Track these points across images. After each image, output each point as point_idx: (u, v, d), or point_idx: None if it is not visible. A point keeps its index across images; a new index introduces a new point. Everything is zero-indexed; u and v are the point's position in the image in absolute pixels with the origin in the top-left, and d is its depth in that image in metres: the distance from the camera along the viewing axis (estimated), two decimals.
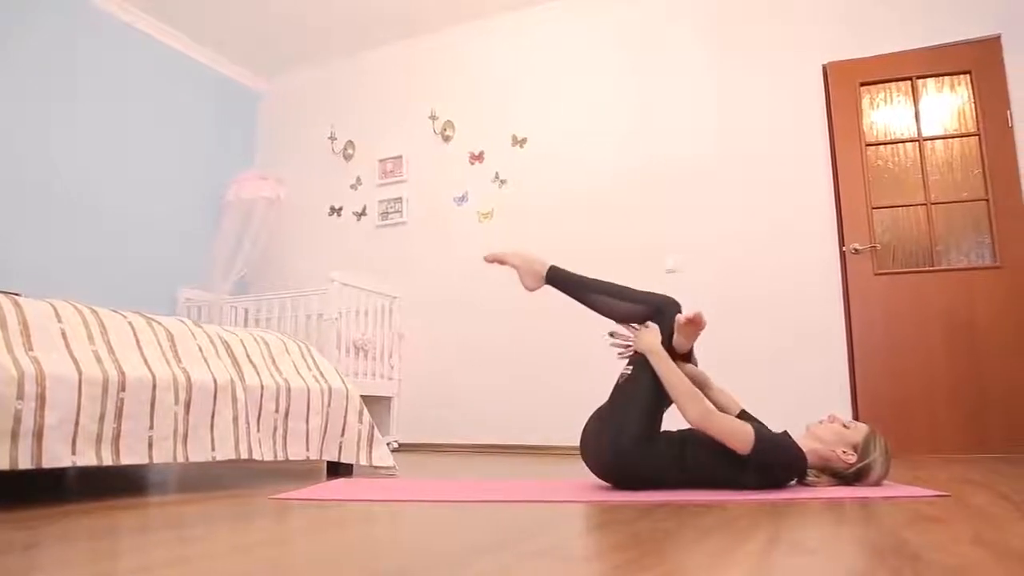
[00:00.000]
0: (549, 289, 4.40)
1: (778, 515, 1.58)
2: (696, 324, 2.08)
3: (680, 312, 2.16)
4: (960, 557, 1.11)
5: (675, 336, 2.12)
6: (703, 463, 2.02)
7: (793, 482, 2.08)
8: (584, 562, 1.10)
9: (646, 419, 2.06)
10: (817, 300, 3.88)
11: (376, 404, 4.64)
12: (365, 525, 1.55)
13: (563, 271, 2.36)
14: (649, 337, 2.11)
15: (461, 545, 1.26)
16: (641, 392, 2.07)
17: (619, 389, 2.15)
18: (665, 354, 2.07)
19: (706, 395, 2.27)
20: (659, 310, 2.20)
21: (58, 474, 2.65)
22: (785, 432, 2.11)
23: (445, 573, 1.02)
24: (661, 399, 2.07)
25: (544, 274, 2.36)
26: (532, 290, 2.41)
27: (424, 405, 4.78)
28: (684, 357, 2.17)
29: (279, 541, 1.33)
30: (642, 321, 2.21)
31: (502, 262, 2.47)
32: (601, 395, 2.46)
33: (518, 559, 1.11)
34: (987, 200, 3.67)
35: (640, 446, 2.03)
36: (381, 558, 1.17)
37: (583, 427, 2.22)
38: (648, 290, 2.28)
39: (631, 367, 2.14)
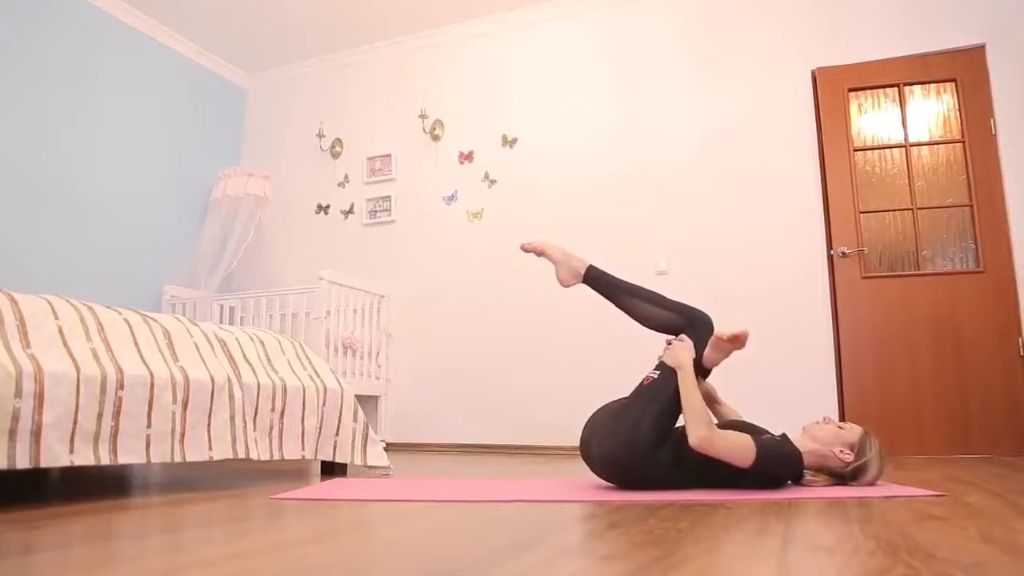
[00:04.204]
0: (538, 290, 4.46)
1: (784, 514, 1.60)
2: (738, 342, 2.08)
3: (713, 329, 2.16)
4: (975, 555, 1.14)
5: (708, 351, 2.13)
6: (703, 465, 2.03)
7: (789, 482, 2.10)
8: (616, 561, 1.10)
9: (663, 424, 2.07)
10: (805, 302, 3.92)
11: (364, 403, 4.60)
12: (388, 526, 1.55)
13: (601, 271, 2.37)
14: (682, 353, 2.11)
15: (487, 545, 1.26)
16: (664, 398, 2.07)
17: (642, 390, 2.15)
18: (692, 373, 2.07)
19: (712, 409, 2.29)
20: (692, 323, 2.21)
21: (55, 474, 2.61)
22: (784, 435, 2.13)
23: (491, 572, 1.02)
24: (678, 410, 2.09)
25: (582, 272, 2.37)
26: (566, 286, 2.42)
27: (412, 405, 4.77)
28: (704, 372, 2.18)
29: (305, 543, 1.32)
30: (675, 331, 2.22)
31: (540, 253, 2.46)
32: (593, 394, 2.47)
33: (552, 558, 1.11)
34: (971, 206, 3.75)
35: (652, 450, 2.04)
36: (418, 558, 1.16)
37: (585, 423, 2.22)
38: (685, 302, 2.29)
39: (658, 372, 2.15)
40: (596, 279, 2.36)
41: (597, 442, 2.13)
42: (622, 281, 2.35)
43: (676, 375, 2.08)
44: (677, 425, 2.12)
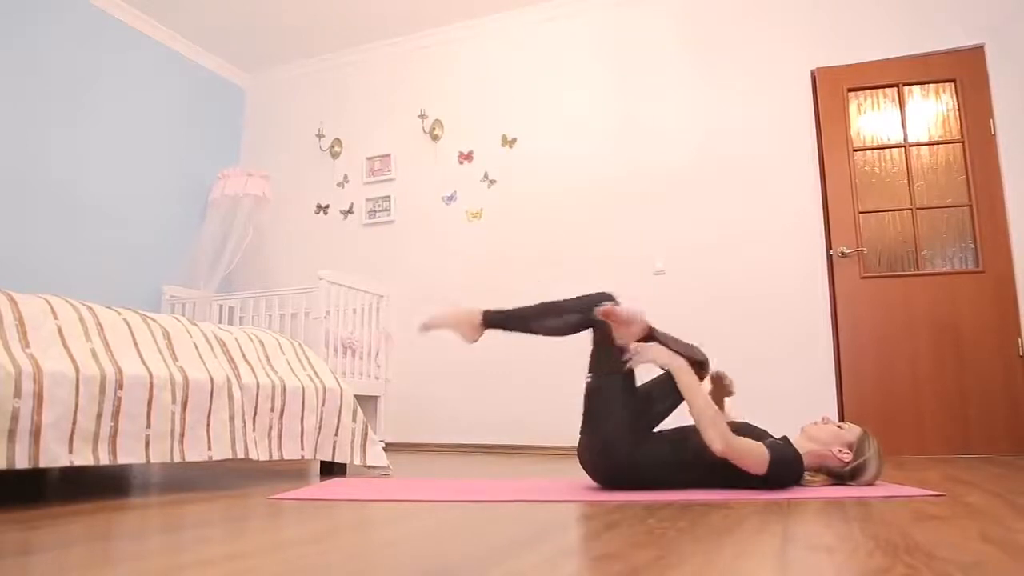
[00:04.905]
0: (537, 290, 4.45)
1: (783, 514, 1.60)
2: (613, 319, 2.04)
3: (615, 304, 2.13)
4: (974, 554, 1.14)
5: (613, 331, 2.10)
6: (704, 464, 2.03)
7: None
8: (615, 560, 1.10)
9: (630, 425, 2.05)
10: (805, 303, 3.93)
11: (363, 403, 4.60)
12: (385, 526, 1.54)
13: (497, 312, 2.29)
14: (659, 353, 2.05)
15: (486, 544, 1.26)
16: (614, 403, 2.06)
17: (588, 400, 2.13)
18: (690, 374, 2.02)
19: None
20: (606, 297, 2.14)
21: (54, 474, 2.60)
22: (785, 438, 2.13)
23: (490, 572, 1.02)
24: (639, 402, 2.07)
25: (479, 320, 2.28)
26: (474, 341, 2.33)
27: (411, 405, 4.76)
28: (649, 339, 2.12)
29: (304, 543, 1.32)
30: (584, 327, 2.16)
31: (438, 327, 2.38)
32: None
33: (551, 558, 1.11)
34: (970, 206, 3.75)
35: (636, 454, 2.03)
36: (418, 558, 1.16)
37: (578, 442, 2.20)
38: (582, 294, 2.22)
39: (591, 375, 2.12)
40: (495, 320, 2.28)
41: (590, 461, 2.14)
42: (520, 309, 2.27)
43: (610, 371, 2.06)
44: (673, 428, 2.12)
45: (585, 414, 2.15)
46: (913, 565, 1.05)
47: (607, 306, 2.06)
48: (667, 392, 2.12)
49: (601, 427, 2.08)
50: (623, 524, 1.46)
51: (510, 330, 2.29)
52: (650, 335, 2.11)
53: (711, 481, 2.04)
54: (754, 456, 1.97)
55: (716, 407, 2.03)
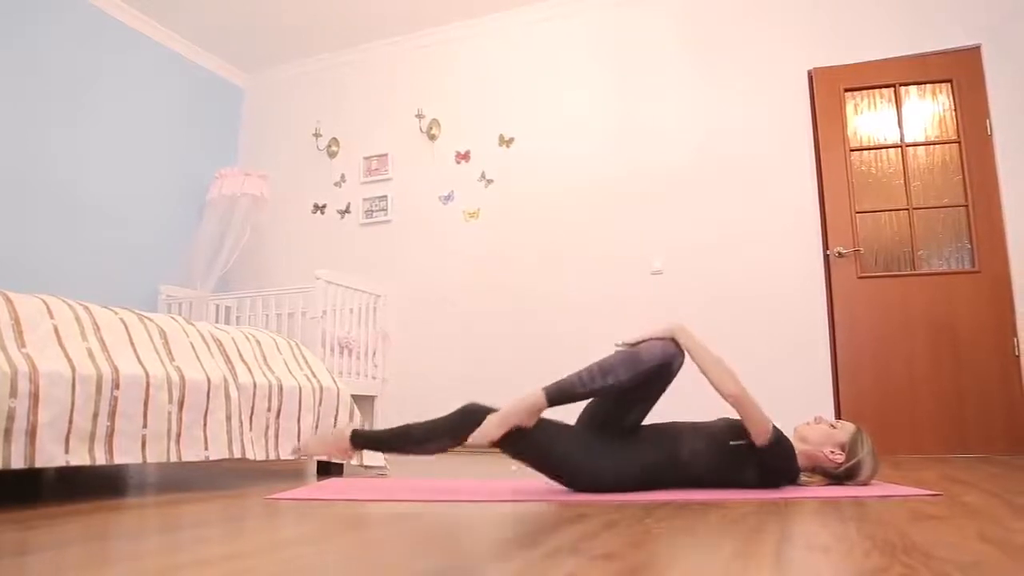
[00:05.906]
0: (535, 290, 4.46)
1: (780, 514, 1.60)
2: (483, 442, 2.01)
3: (486, 411, 2.10)
4: (972, 554, 1.14)
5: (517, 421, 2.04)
6: (700, 459, 2.02)
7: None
8: (613, 560, 1.10)
9: (587, 449, 2.00)
10: (802, 302, 3.93)
11: (360, 403, 4.60)
12: (382, 526, 1.54)
13: (366, 433, 2.26)
14: (672, 324, 2.03)
15: (484, 544, 1.26)
16: (554, 455, 2.00)
17: (546, 473, 2.07)
18: (688, 332, 2.01)
19: None
20: (470, 415, 2.11)
21: (51, 474, 2.60)
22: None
23: (487, 571, 1.02)
24: (600, 423, 2.04)
25: (347, 440, 2.24)
26: (349, 459, 2.34)
27: (408, 405, 4.75)
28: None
29: (301, 543, 1.32)
30: (459, 436, 2.10)
31: (310, 455, 2.42)
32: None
33: (549, 557, 1.11)
34: (967, 206, 3.76)
35: (616, 466, 1.98)
36: (415, 558, 1.16)
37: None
38: (448, 414, 2.17)
39: (515, 467, 2.04)
40: (364, 442, 2.26)
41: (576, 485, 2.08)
42: (390, 434, 2.22)
43: (529, 439, 2.01)
44: (666, 422, 2.11)
45: (554, 479, 2.08)
46: (911, 565, 1.05)
47: (470, 439, 2.02)
48: (629, 401, 2.05)
49: (568, 472, 2.03)
50: (621, 523, 1.46)
51: (380, 450, 2.26)
52: (554, 400, 2.03)
53: (707, 480, 2.03)
54: (763, 418, 1.95)
55: (725, 362, 1.98)
